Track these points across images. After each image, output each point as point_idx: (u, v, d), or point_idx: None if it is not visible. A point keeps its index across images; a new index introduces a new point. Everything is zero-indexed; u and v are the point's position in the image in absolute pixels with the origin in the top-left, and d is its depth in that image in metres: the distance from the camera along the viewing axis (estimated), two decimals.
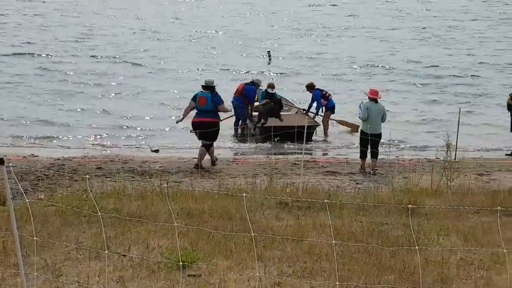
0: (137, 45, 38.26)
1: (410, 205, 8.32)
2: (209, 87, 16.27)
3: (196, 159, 16.24)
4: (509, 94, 18.73)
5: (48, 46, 36.65)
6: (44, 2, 55.29)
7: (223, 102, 16.50)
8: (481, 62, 35.91)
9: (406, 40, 43.08)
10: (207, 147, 16.26)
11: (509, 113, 18.58)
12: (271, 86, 21.40)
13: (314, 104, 21.51)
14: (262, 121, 20.68)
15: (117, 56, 34.72)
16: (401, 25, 49.72)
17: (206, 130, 16.03)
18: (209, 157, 16.37)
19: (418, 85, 30.70)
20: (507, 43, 42.61)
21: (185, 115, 16.74)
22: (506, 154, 18.77)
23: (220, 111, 16.46)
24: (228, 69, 32.23)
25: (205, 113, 16.10)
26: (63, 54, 34.75)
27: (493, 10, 57.72)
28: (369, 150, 16.08)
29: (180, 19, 49.92)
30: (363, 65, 34.64)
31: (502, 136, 20.97)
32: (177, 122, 17.62)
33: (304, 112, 21.66)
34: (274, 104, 20.90)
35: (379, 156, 16.41)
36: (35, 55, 34.12)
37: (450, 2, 61.05)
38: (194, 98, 16.41)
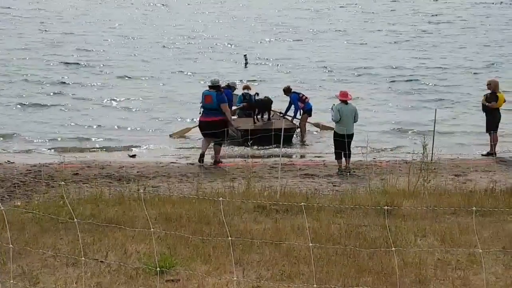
0: (110, 52, 38.04)
1: (386, 207, 8.36)
2: (215, 87, 16.59)
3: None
4: (484, 95, 18.86)
5: (16, 54, 36.20)
6: (9, 7, 54.67)
7: (226, 101, 16.95)
8: (457, 66, 36.14)
9: (381, 44, 43.29)
10: (214, 142, 16.86)
11: (484, 114, 18.71)
12: (247, 87, 21.75)
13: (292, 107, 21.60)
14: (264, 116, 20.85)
15: (89, 64, 34.42)
16: (376, 28, 49.95)
17: (210, 131, 16.64)
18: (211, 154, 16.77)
19: (394, 88, 30.86)
20: (481, 46, 42.96)
21: None
22: (482, 155, 18.89)
23: (222, 109, 16.75)
24: (203, 74, 32.15)
25: (210, 112, 16.66)
26: (32, 63, 34.31)
27: (466, 13, 58.15)
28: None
29: (154, 26, 49.73)
30: (338, 69, 34.75)
31: (478, 137, 21.12)
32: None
33: (281, 115, 21.71)
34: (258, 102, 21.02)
35: (355, 158, 16.56)
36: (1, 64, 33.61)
37: (426, 4, 61.44)
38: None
